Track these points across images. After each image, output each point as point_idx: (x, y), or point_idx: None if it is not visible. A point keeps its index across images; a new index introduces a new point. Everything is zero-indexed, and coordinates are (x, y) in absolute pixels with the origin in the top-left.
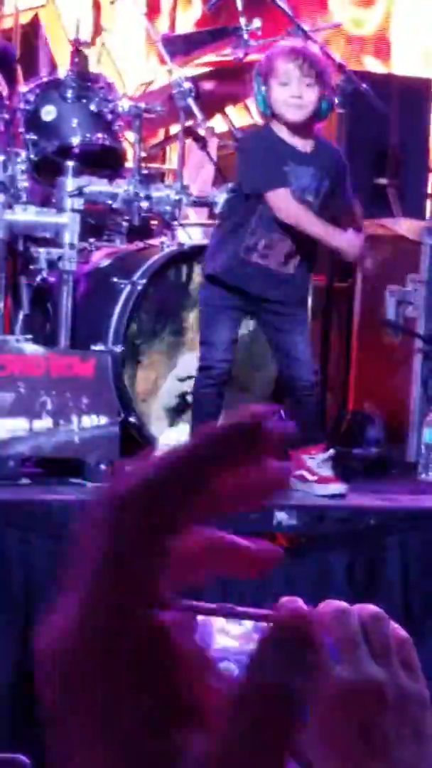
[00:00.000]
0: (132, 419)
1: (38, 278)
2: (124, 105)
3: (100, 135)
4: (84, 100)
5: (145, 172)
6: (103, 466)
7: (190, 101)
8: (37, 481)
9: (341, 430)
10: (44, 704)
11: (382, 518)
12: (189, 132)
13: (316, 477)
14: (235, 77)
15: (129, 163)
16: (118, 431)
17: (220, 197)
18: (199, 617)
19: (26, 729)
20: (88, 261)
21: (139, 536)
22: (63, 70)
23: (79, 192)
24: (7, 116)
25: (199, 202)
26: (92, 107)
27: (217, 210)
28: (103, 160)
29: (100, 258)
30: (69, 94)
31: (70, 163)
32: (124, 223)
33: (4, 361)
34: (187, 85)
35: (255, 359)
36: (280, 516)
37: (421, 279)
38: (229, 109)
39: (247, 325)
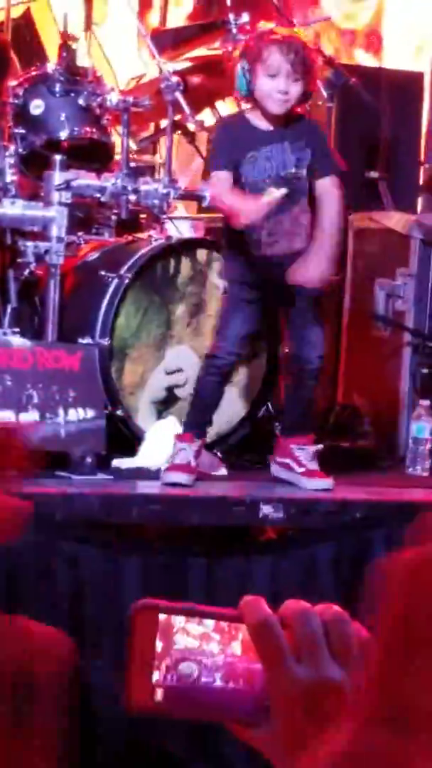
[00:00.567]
0: (119, 412)
1: (26, 271)
2: (112, 99)
3: (88, 129)
4: (72, 94)
5: (133, 165)
6: (89, 459)
7: (178, 95)
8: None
9: (330, 423)
10: None
11: (368, 512)
12: (178, 126)
13: (302, 469)
14: (223, 71)
15: (117, 157)
16: (104, 424)
17: (208, 192)
18: (161, 616)
19: None
20: (76, 254)
21: None
22: (51, 65)
23: (67, 185)
24: None
25: (188, 196)
26: (80, 101)
27: (205, 204)
28: (92, 154)
29: (88, 251)
30: (57, 88)
31: (58, 157)
32: (113, 217)
33: None
34: (176, 79)
35: (245, 351)
36: (267, 509)
37: (411, 273)
38: (219, 103)
39: None
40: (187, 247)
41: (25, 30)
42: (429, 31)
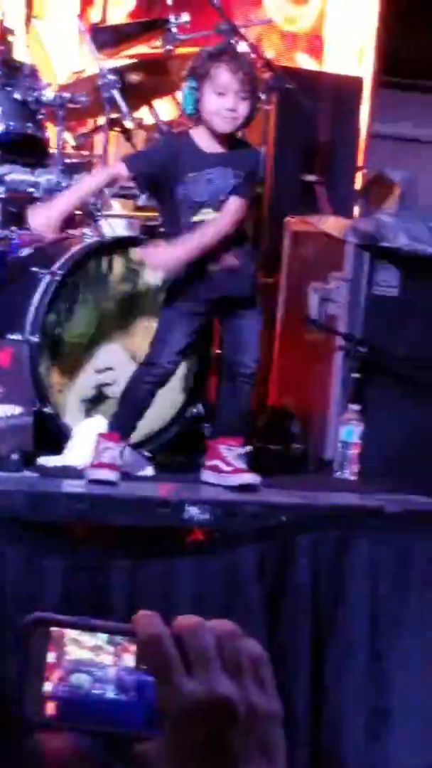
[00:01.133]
0: (47, 410)
1: None
2: (48, 94)
3: (23, 123)
4: (8, 88)
5: (68, 161)
6: (15, 456)
7: (116, 93)
8: None
9: (260, 426)
10: None
11: (294, 515)
12: (115, 123)
13: (230, 468)
14: (163, 70)
15: (53, 152)
16: (31, 421)
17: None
18: (53, 629)
19: None
20: (8, 249)
21: None
22: None
23: (1, 180)
24: None
25: (123, 194)
26: (17, 95)
27: (140, 203)
28: (27, 149)
29: (21, 247)
30: None
31: None
32: None
33: None
34: (113, 76)
35: None
36: (192, 510)
37: (345, 277)
38: (156, 102)
39: None
40: (120, 245)
41: None
42: (370, 36)
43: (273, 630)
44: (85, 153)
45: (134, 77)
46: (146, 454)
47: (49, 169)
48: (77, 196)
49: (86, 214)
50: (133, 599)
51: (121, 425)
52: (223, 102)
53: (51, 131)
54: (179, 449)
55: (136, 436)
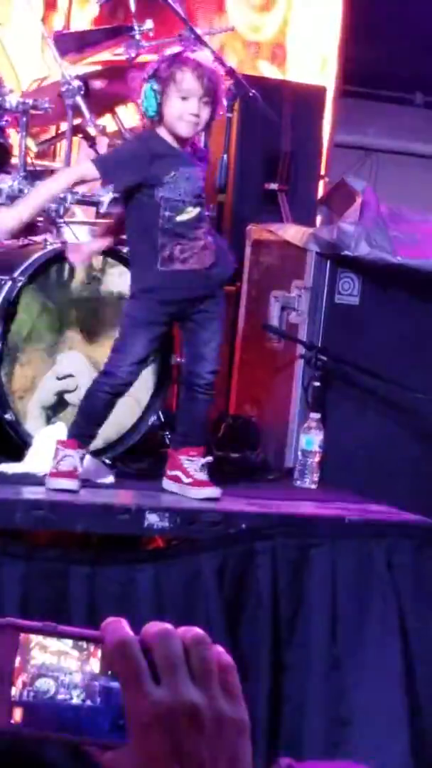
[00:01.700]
0: (8, 416)
1: None
2: (11, 100)
3: None
4: None
5: (31, 168)
6: None
7: (79, 99)
8: None
9: (220, 434)
10: None
11: (254, 523)
12: (78, 130)
13: (190, 480)
14: (126, 77)
15: (15, 159)
16: None
17: (106, 197)
18: (20, 635)
19: None
20: None
21: None
22: None
23: None
24: None
25: (85, 201)
26: None
27: (103, 210)
28: None
29: None
30: None
31: None
32: None
33: None
34: (76, 83)
35: None
36: (152, 518)
37: (306, 285)
38: (120, 109)
39: None
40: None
41: None
42: (333, 46)
43: (233, 638)
44: (47, 162)
45: (97, 84)
46: (107, 461)
47: (11, 175)
48: (43, 200)
49: (48, 220)
50: (93, 606)
51: (80, 434)
52: (187, 106)
53: (13, 138)
54: (140, 457)
55: (97, 444)
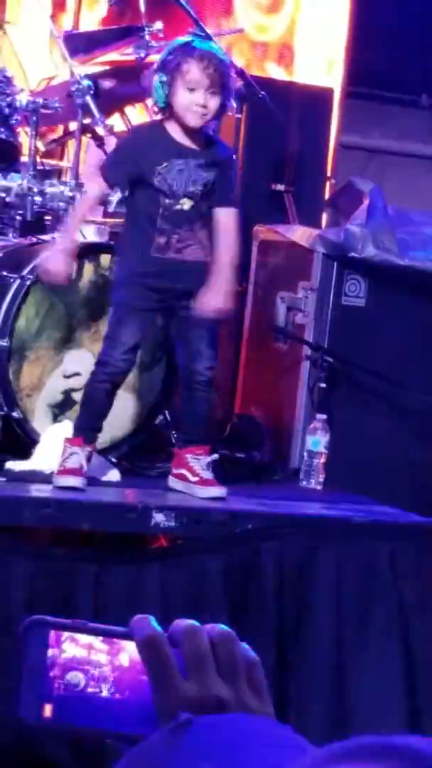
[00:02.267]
0: (15, 414)
1: None
2: (21, 99)
3: None
4: None
5: (40, 167)
6: None
7: (89, 99)
8: None
9: (226, 434)
10: None
11: (259, 523)
12: (87, 130)
13: (197, 478)
14: (135, 77)
15: (25, 158)
16: None
17: (115, 196)
18: (52, 632)
19: None
20: None
21: None
22: None
23: None
24: None
25: None
26: None
27: (111, 209)
28: None
29: None
30: None
31: None
32: (17, 218)
33: None
34: (86, 82)
35: (143, 360)
36: (158, 517)
37: (312, 286)
38: (128, 109)
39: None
40: (90, 251)
41: None
42: (340, 47)
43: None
44: (54, 162)
45: (107, 84)
46: (113, 460)
47: (21, 174)
48: (74, 232)
49: (56, 220)
50: (99, 604)
51: (84, 428)
52: (194, 97)
53: (23, 137)
54: (146, 456)
55: (103, 442)
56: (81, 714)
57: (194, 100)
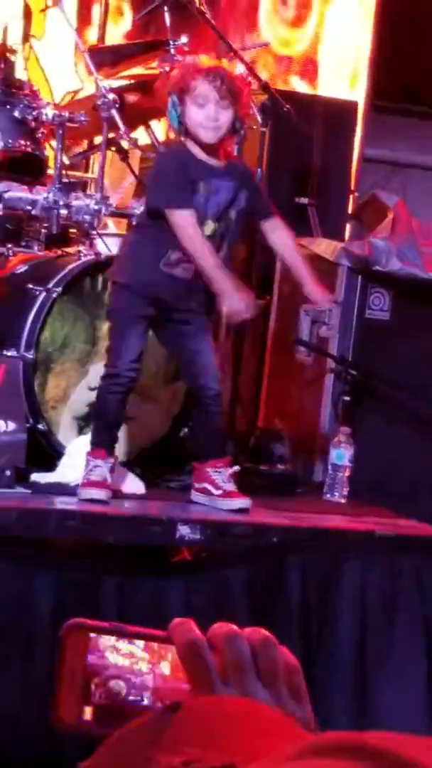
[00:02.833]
0: (40, 426)
1: None
2: (48, 113)
3: (22, 141)
4: (8, 106)
5: (65, 180)
6: (8, 472)
7: (114, 112)
8: None
9: (250, 447)
10: None
11: (284, 536)
12: (112, 143)
13: (220, 491)
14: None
15: (50, 171)
16: (25, 438)
17: (140, 209)
18: (92, 634)
19: None
20: (4, 266)
21: None
22: None
23: None
24: None
25: (119, 213)
26: (16, 113)
27: (135, 222)
28: (25, 167)
29: (17, 264)
30: None
31: None
32: (43, 230)
33: None
34: (112, 96)
35: (165, 372)
36: (183, 529)
37: (336, 299)
38: (153, 123)
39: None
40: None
41: None
42: (364, 61)
43: None
44: (78, 174)
45: (131, 97)
46: (137, 472)
47: (46, 187)
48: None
49: (82, 232)
50: (123, 616)
51: (101, 440)
52: (205, 112)
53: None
54: (170, 468)
55: (127, 454)
56: (120, 721)
57: (205, 115)
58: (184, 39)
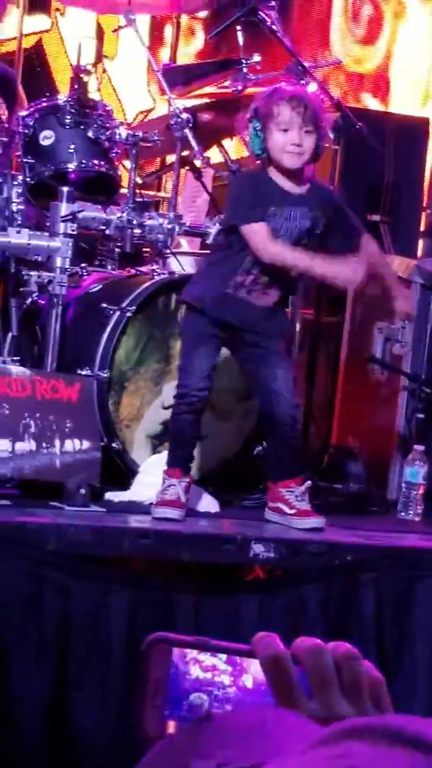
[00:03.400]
0: (114, 445)
1: (28, 301)
2: (121, 133)
3: (96, 161)
4: (82, 126)
5: (139, 199)
6: (83, 491)
7: (188, 132)
8: (17, 502)
9: (323, 465)
10: None
11: (358, 555)
12: (185, 162)
13: (293, 510)
14: (233, 110)
15: (124, 190)
16: (99, 456)
17: (213, 228)
18: (175, 649)
19: None
20: (78, 285)
21: None
22: (63, 96)
23: (73, 217)
24: (5, 139)
25: (192, 232)
26: (90, 133)
27: (209, 241)
28: (99, 187)
29: (91, 283)
30: (67, 119)
31: (65, 188)
32: (117, 250)
33: None
34: (185, 115)
35: (239, 390)
36: (258, 548)
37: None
38: (226, 141)
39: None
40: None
41: (35, 60)
42: None
43: None
44: (151, 193)
45: (204, 117)
46: (211, 490)
47: (120, 207)
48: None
49: (155, 251)
50: (198, 634)
51: (177, 459)
52: (289, 137)
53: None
54: (244, 487)
55: (201, 472)
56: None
57: (288, 140)
58: (256, 58)
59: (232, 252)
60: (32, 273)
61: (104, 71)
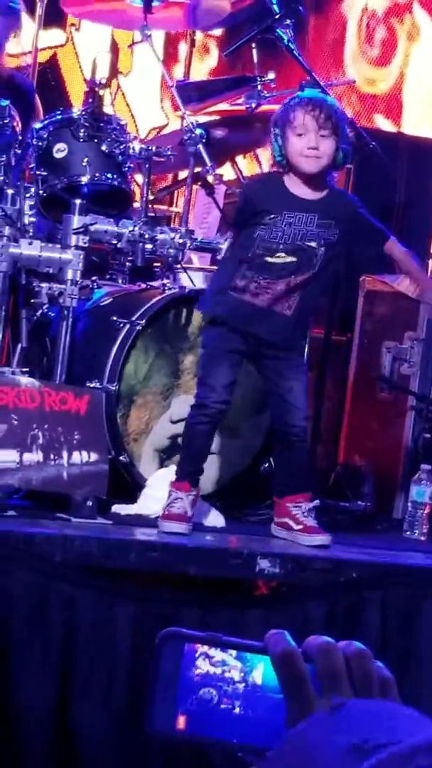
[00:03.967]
0: (122, 458)
1: (39, 312)
2: (135, 147)
3: (109, 175)
4: (96, 140)
5: (151, 214)
6: (89, 503)
7: (201, 148)
8: (24, 513)
9: (330, 483)
10: None
11: (364, 572)
12: (197, 178)
13: (300, 526)
14: (246, 127)
15: (136, 204)
16: (107, 469)
17: (225, 244)
18: (186, 644)
19: None
20: (89, 298)
21: None
22: (77, 109)
23: (85, 230)
24: (19, 151)
25: (203, 248)
26: (103, 147)
27: (220, 257)
28: (111, 200)
29: (101, 296)
30: (81, 132)
31: (78, 201)
32: (128, 263)
33: None
34: (199, 131)
35: (248, 406)
36: (264, 563)
37: (419, 337)
38: (239, 158)
39: (247, 371)
40: (199, 298)
41: (50, 74)
42: None
43: None
44: (163, 208)
45: (218, 133)
46: (217, 505)
47: (132, 221)
48: None
49: (166, 266)
50: None
51: (187, 471)
52: (305, 141)
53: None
54: (251, 502)
55: (208, 488)
56: (212, 728)
57: (305, 144)
58: (271, 75)
59: (231, 256)
60: (43, 285)
61: (118, 87)
